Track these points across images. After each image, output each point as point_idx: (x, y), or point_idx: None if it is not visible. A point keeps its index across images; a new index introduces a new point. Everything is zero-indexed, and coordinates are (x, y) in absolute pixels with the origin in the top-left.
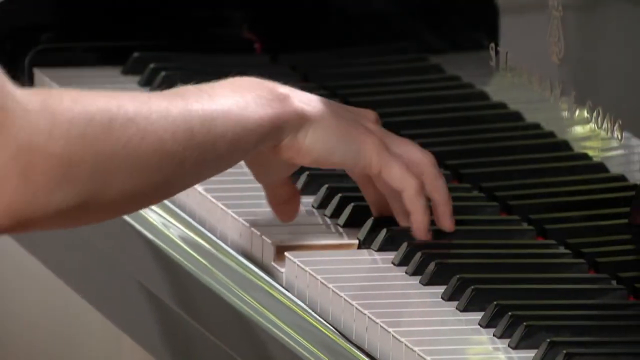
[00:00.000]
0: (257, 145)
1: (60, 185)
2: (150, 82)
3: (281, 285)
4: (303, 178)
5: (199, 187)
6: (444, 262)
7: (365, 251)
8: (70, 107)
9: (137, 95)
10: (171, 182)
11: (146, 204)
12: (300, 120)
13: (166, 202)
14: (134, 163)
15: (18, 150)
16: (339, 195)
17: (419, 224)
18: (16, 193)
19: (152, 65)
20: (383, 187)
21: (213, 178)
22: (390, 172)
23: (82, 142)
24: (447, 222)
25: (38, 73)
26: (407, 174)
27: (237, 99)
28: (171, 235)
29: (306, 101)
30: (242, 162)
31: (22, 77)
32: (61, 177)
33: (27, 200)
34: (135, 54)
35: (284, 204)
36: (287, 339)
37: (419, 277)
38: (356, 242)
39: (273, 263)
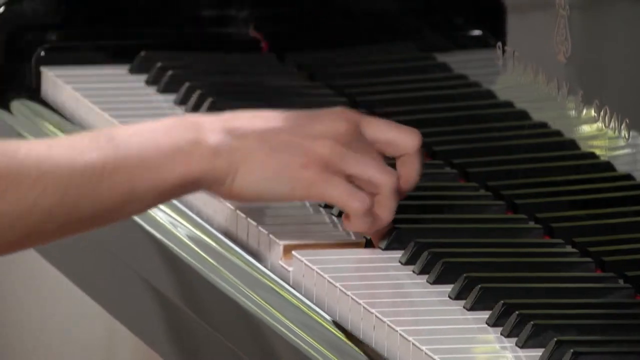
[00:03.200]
0: (165, 195)
1: None
2: (158, 81)
3: (288, 284)
4: None
5: None
6: (451, 261)
7: (372, 250)
8: None
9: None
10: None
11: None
12: (227, 170)
13: (174, 201)
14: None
15: None
16: None
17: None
18: None
19: (159, 64)
20: None
21: None
22: (332, 198)
23: None
24: (376, 240)
25: (45, 72)
26: (348, 197)
27: (150, 150)
28: (178, 234)
29: (236, 146)
30: None
31: (30, 76)
32: None
33: None
34: (142, 53)
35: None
36: (293, 338)
37: (425, 276)
38: (363, 240)
39: (280, 262)
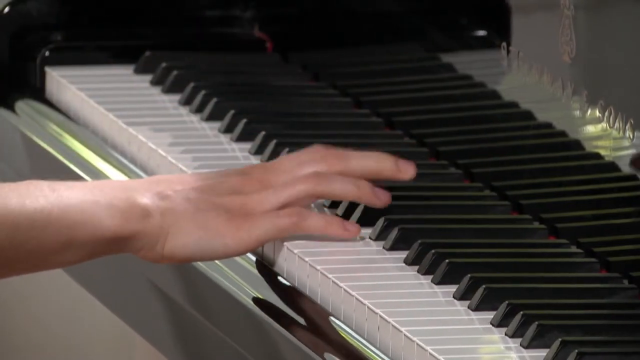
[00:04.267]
0: (99, 248)
1: None
2: (162, 81)
3: (293, 285)
4: None
5: None
6: (456, 261)
7: (376, 250)
8: None
9: None
10: None
11: None
12: (158, 233)
13: None
14: None
15: None
16: None
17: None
18: None
19: (163, 64)
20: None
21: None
22: (264, 236)
23: None
24: (375, 201)
25: (50, 72)
26: (276, 226)
27: (89, 203)
28: None
29: (165, 208)
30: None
31: (34, 76)
32: None
33: None
34: (147, 53)
35: None
36: (298, 338)
37: (430, 276)
38: (369, 240)
39: (285, 263)
